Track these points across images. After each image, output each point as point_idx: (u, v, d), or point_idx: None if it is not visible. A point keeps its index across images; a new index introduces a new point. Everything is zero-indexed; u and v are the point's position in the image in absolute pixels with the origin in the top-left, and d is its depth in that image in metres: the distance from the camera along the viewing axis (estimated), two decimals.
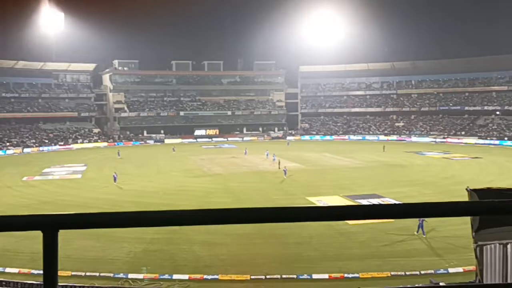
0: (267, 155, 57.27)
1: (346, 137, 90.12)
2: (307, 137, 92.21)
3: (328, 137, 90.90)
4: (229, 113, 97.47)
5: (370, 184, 37.04)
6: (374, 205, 1.27)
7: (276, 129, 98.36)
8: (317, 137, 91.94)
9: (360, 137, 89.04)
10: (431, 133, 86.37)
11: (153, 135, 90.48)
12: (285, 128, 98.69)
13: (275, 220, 1.24)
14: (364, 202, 29.91)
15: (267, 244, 21.78)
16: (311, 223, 20.47)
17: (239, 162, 54.05)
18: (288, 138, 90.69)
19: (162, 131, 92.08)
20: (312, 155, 60.15)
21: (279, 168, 45.93)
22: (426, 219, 21.44)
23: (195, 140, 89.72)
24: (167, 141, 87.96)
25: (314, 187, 36.13)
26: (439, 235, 22.57)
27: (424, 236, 22.45)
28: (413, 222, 23.29)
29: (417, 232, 22.73)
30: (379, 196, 31.81)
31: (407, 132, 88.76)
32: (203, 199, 31.76)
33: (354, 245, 21.57)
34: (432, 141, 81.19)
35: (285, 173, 41.25)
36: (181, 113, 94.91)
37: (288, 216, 1.26)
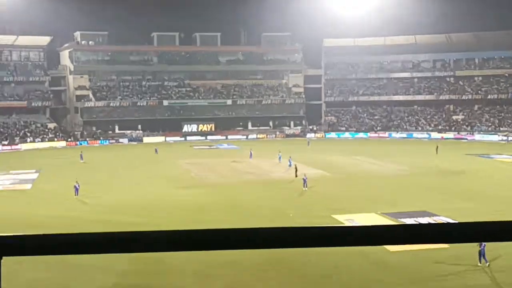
0: (279, 158, 57.37)
1: (386, 134, 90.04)
2: (333, 135, 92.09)
3: (361, 135, 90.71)
4: (229, 102, 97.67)
5: (418, 197, 37.29)
6: (422, 225, 1.26)
7: (292, 123, 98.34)
8: (347, 134, 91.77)
9: (404, 135, 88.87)
10: (501, 128, 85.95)
11: (128, 132, 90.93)
12: (304, 123, 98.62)
13: (289, 245, 1.24)
14: (410, 221, 30.14)
15: (279, 277, 21.81)
16: (338, 249, 20.36)
17: (242, 168, 54.33)
18: (308, 135, 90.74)
19: (139, 127, 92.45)
20: (340, 158, 60.29)
21: (296, 176, 46.02)
22: (486, 243, 21.37)
23: (183, 139, 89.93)
24: (146, 139, 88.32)
25: (343, 201, 36.38)
26: (509, 264, 22.51)
27: (487, 264, 22.39)
28: (474, 248, 23.20)
29: (480, 262, 22.67)
30: (430, 214, 32.11)
31: (469, 128, 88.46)
32: (193, 216, 32.02)
33: (395, 280, 21.57)
34: (502, 140, 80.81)
35: (305, 183, 41.49)
36: (165, 103, 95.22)
37: (307, 240, 1.26)
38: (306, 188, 40.96)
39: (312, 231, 1.26)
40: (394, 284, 21.21)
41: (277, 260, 22.90)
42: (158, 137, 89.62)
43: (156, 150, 69.11)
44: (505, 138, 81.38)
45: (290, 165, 51.67)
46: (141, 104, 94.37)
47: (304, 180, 41.80)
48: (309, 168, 50.73)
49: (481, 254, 22.82)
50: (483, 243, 21.91)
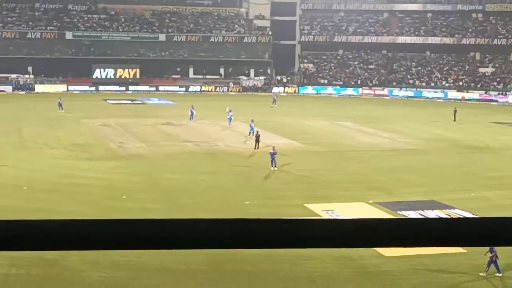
0: (229, 120, 58.33)
1: (385, 91, 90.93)
2: (310, 90, 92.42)
3: (350, 91, 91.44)
4: (162, 37, 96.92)
5: (426, 182, 37.97)
6: (429, 220, 1.33)
7: (252, 72, 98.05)
8: (330, 89, 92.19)
9: (411, 93, 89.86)
10: None
11: (13, 76, 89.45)
12: (269, 71, 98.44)
13: (244, 244, 1.25)
14: (413, 214, 31.02)
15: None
16: (312, 251, 20.68)
17: (179, 133, 54.77)
18: (275, 90, 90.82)
19: (29, 69, 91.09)
20: (319, 124, 60.81)
21: (256, 147, 46.40)
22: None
23: (93, 89, 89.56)
24: (39, 87, 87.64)
25: (321, 185, 36.74)
26: None
27: (500, 275, 23.05)
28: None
29: (485, 272, 23.07)
30: (440, 205, 32.76)
31: (501, 86, 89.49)
32: (106, 201, 32.12)
33: None
34: None
35: (273, 161, 40.90)
36: (68, 35, 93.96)
37: (268, 237, 1.26)
38: (275, 168, 40.47)
39: (275, 225, 1.23)
40: None
41: (226, 265, 22.97)
42: (56, 84, 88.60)
43: (60, 105, 68.37)
44: None
45: (252, 132, 51.75)
46: (33, 36, 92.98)
47: (272, 156, 40.85)
48: (275, 137, 50.96)
49: (493, 262, 23.09)
50: (493, 249, 22.40)
